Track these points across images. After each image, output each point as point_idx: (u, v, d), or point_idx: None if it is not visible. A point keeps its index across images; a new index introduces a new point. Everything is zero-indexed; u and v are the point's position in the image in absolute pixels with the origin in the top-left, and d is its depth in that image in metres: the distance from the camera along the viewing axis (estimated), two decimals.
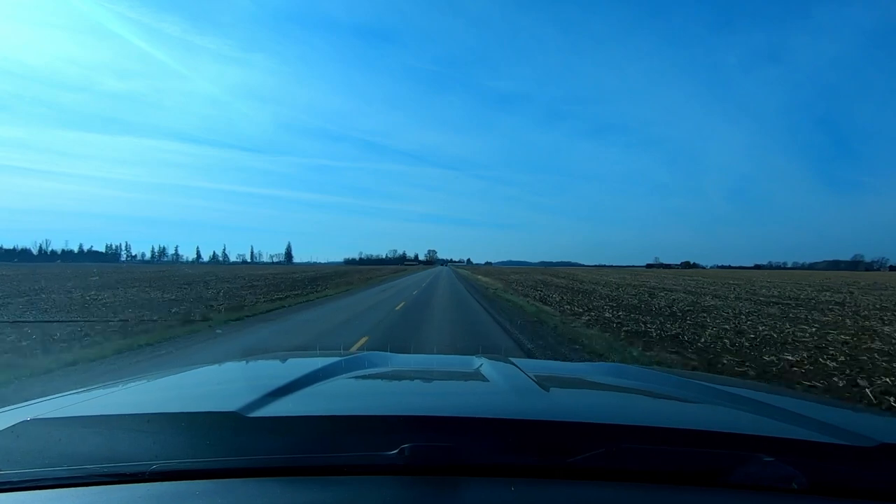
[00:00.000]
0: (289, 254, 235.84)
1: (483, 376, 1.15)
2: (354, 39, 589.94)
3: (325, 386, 0.99)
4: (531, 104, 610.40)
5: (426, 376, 1.26)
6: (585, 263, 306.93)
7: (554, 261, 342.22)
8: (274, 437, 0.68)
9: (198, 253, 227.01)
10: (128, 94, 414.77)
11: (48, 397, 0.93)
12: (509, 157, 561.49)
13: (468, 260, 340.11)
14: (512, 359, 1.31)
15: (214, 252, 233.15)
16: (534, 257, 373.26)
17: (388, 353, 1.46)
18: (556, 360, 6.00)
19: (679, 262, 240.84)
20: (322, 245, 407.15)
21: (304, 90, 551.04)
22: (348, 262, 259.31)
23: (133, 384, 1.10)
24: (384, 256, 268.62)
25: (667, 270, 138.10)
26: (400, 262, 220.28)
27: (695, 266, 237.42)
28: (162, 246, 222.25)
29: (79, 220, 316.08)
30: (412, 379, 1.22)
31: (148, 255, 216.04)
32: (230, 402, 0.74)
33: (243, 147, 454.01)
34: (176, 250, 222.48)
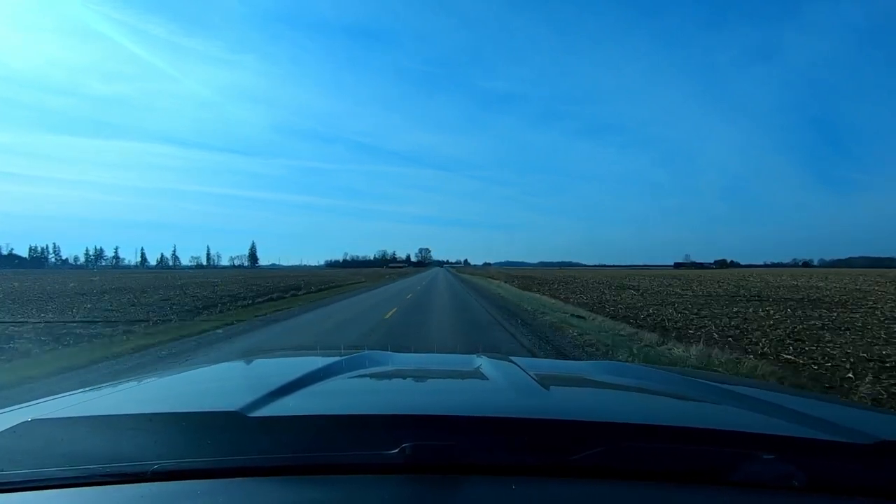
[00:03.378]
0: (253, 255, 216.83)
1: (483, 375, 1.22)
2: (346, 40, 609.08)
3: (326, 385, 1.04)
4: (526, 104, 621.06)
5: (427, 375, 1.36)
6: (587, 263, 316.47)
7: (554, 261, 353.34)
8: (275, 437, 0.72)
9: (142, 256, 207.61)
10: (115, 96, 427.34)
11: (50, 397, 0.99)
12: (505, 158, 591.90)
13: (465, 261, 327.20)
14: (512, 357, 1.42)
15: (162, 254, 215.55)
16: (533, 258, 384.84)
17: (389, 353, 1.58)
18: None
19: (713, 261, 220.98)
20: (311, 247, 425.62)
21: (295, 91, 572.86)
22: (330, 264, 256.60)
23: (134, 384, 1.18)
24: (372, 258, 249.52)
25: (705, 271, 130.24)
26: (384, 265, 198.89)
27: (733, 265, 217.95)
28: (99, 247, 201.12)
29: (64, 225, 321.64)
30: (413, 378, 1.30)
31: (82, 259, 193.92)
32: (231, 402, 0.78)
33: (232, 149, 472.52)
34: (116, 253, 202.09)
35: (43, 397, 1.00)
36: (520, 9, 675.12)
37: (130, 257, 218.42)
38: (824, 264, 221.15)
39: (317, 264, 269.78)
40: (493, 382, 1.14)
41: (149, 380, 1.26)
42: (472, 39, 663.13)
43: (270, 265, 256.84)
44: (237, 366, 1.50)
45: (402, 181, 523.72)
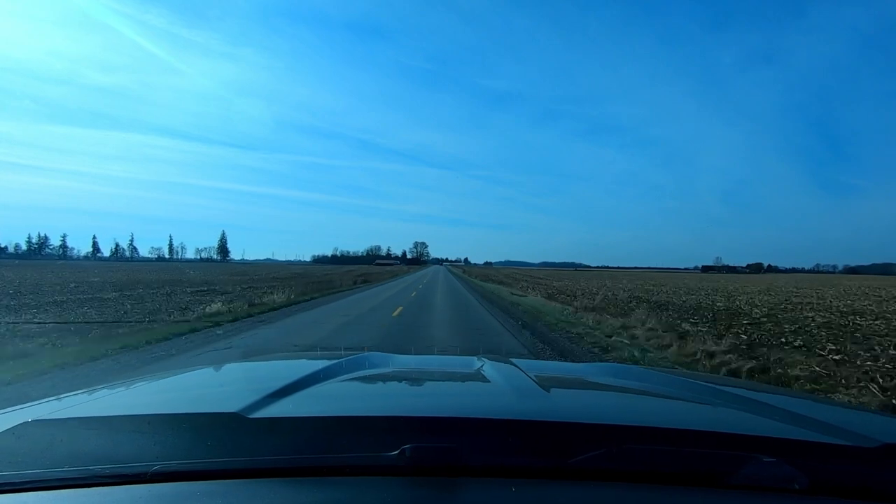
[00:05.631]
0: (223, 248, 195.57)
1: (484, 377, 1.29)
2: (347, 35, 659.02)
3: (325, 387, 1.09)
4: (528, 104, 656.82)
5: (427, 377, 1.43)
6: (591, 265, 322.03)
7: (556, 261, 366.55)
8: (275, 438, 0.75)
9: (95, 245, 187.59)
10: (114, 88, 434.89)
11: (49, 398, 1.03)
12: (507, 157, 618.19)
13: (466, 259, 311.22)
14: (513, 359, 1.48)
15: (117, 244, 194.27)
16: (535, 258, 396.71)
17: (389, 354, 1.66)
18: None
19: (745, 265, 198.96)
20: (310, 242, 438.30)
21: (295, 87, 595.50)
22: (317, 260, 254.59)
23: (134, 385, 1.23)
24: (364, 254, 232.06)
25: (739, 275, 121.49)
26: (373, 261, 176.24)
27: (770, 269, 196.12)
28: (43, 234, 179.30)
29: (67, 217, 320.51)
30: (413, 380, 1.37)
31: (24, 247, 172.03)
32: (231, 403, 0.81)
33: (231, 144, 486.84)
34: (63, 241, 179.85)
35: (43, 398, 1.04)
36: (520, 7, 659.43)
37: (80, 246, 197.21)
38: (849, 269, 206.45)
39: (303, 259, 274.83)
40: (494, 384, 1.19)
41: (149, 381, 1.32)
42: (474, 37, 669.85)
43: (265, 259, 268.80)
44: (237, 367, 1.57)
45: (402, 179, 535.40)
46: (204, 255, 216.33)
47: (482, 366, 1.37)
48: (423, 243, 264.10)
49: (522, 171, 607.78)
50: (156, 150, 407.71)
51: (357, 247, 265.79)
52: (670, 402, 1.16)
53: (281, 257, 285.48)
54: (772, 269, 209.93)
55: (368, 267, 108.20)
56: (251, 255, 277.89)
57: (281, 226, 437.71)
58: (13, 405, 0.95)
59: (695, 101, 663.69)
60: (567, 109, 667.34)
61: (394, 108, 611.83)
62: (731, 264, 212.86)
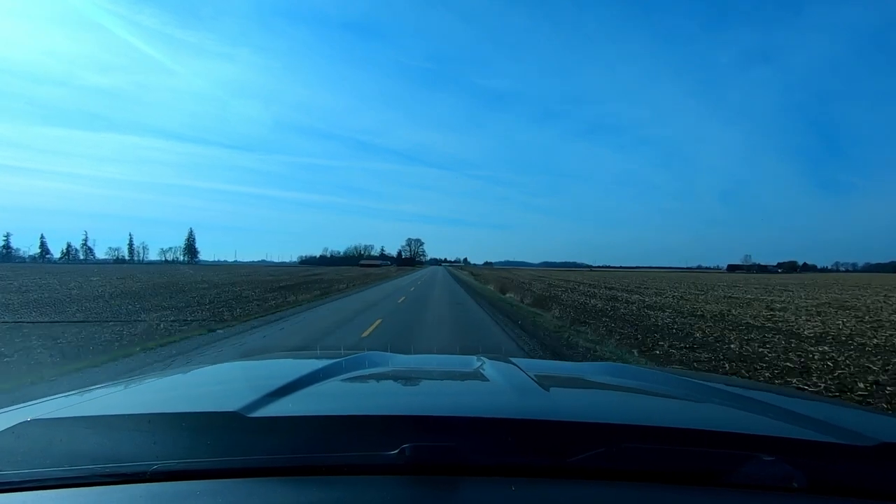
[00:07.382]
0: (192, 248, 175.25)
1: (483, 376, 1.34)
2: (345, 35, 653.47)
3: (325, 386, 1.13)
4: (526, 103, 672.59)
5: (426, 376, 1.47)
6: (592, 265, 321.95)
7: (557, 261, 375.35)
8: (274, 437, 0.78)
9: (43, 245, 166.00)
10: (109, 89, 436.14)
11: (49, 397, 1.07)
12: (505, 157, 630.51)
13: (465, 259, 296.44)
14: (512, 358, 1.54)
15: (69, 245, 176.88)
16: (535, 258, 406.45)
17: (389, 354, 1.71)
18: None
19: (776, 263, 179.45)
20: (301, 244, 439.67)
21: (293, 87, 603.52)
22: (304, 261, 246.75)
23: (134, 384, 1.29)
24: (352, 253, 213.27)
25: (773, 275, 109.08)
26: (356, 262, 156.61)
27: (805, 268, 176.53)
28: None
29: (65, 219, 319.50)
30: (412, 379, 1.41)
31: None
32: (230, 403, 0.84)
33: (226, 144, 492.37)
34: (7, 240, 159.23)
35: (43, 397, 1.09)
36: (520, 6, 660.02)
37: (25, 246, 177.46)
38: (869, 268, 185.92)
39: (292, 261, 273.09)
40: (493, 383, 1.23)
41: (148, 380, 1.36)
42: (472, 36, 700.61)
43: (260, 261, 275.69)
44: (237, 366, 1.62)
45: (401, 179, 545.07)
46: (169, 256, 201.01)
47: (481, 365, 1.41)
48: (419, 240, 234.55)
49: (522, 171, 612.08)
50: (151, 152, 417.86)
51: (355, 246, 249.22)
52: (669, 401, 1.20)
53: (276, 258, 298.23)
54: (808, 268, 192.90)
55: (349, 269, 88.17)
56: (245, 257, 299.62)
57: (278, 227, 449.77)
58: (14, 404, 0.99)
59: (695, 100, 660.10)
60: (566, 109, 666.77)
61: (393, 108, 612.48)
62: (761, 262, 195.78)
